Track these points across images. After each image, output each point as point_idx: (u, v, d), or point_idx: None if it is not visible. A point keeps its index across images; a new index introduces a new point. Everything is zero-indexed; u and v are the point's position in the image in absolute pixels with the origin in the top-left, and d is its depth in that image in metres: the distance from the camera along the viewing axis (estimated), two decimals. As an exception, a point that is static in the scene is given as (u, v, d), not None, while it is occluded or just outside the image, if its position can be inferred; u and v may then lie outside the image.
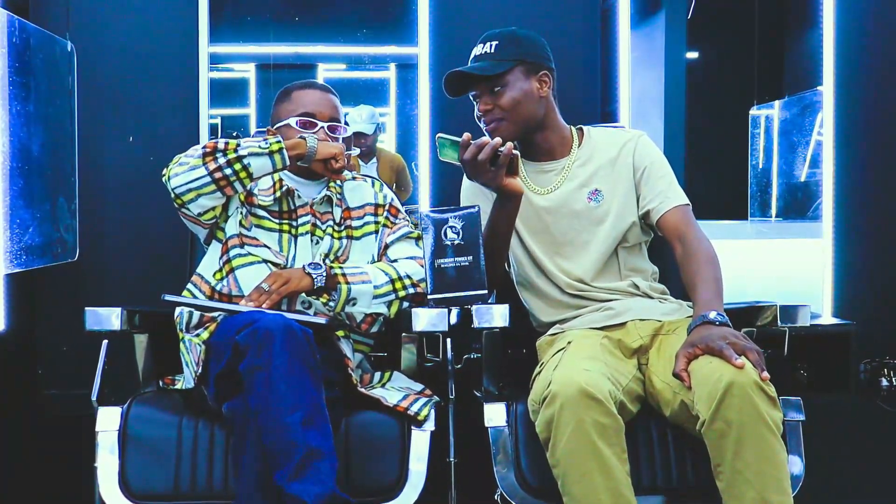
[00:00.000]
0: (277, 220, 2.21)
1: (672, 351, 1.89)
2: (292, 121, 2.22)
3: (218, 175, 2.05)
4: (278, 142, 2.06)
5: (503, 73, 2.13)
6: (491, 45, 2.15)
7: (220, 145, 2.06)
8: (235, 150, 2.05)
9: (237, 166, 2.05)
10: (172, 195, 2.10)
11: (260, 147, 2.05)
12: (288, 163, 2.08)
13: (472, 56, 2.19)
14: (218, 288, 2.15)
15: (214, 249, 2.20)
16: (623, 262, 2.21)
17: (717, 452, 1.73)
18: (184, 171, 2.07)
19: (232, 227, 2.18)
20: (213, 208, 2.14)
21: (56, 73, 2.70)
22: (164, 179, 2.11)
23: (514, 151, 1.98)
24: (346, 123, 2.33)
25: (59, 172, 2.71)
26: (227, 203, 2.18)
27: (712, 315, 1.85)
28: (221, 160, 2.05)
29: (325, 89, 2.30)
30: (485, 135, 2.14)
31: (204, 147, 2.07)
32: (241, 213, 2.19)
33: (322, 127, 2.22)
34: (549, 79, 2.20)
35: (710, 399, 1.71)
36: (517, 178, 2.02)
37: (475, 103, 2.19)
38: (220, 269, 2.16)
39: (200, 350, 2.01)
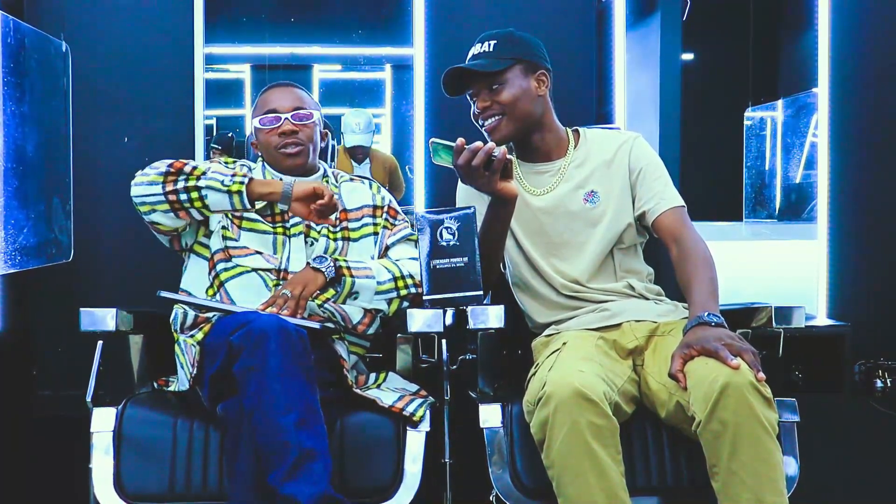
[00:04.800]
0: (271, 223, 2.21)
1: (667, 352, 1.89)
2: (256, 121, 2.24)
3: (172, 198, 2.03)
4: (241, 183, 2.01)
5: (502, 70, 2.14)
6: (489, 45, 2.16)
7: (187, 168, 2.04)
8: (198, 178, 2.02)
9: (194, 195, 2.02)
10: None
11: (222, 183, 2.01)
12: (248, 206, 2.03)
13: (469, 55, 2.20)
14: (212, 300, 2.15)
15: (197, 265, 2.20)
16: (618, 263, 2.21)
17: (712, 453, 1.73)
18: (143, 184, 2.05)
19: (216, 242, 2.18)
20: (173, 226, 2.13)
21: (51, 74, 2.70)
22: (131, 183, 2.09)
23: (509, 156, 1.97)
24: (323, 119, 2.33)
25: (54, 173, 2.71)
26: (207, 220, 2.18)
27: (708, 316, 1.85)
28: (181, 184, 2.03)
29: (287, 84, 2.30)
30: (481, 138, 2.14)
31: (169, 165, 2.04)
32: (225, 225, 2.18)
33: (286, 118, 2.21)
34: (546, 79, 2.20)
35: (705, 400, 1.71)
36: (512, 182, 2.02)
37: (472, 102, 2.20)
38: (211, 285, 2.17)
39: (195, 351, 2.01)
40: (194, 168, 2.04)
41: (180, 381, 2.10)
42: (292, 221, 2.21)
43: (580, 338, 2.04)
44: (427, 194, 2.96)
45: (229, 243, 2.17)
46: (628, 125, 3.08)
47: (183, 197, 2.03)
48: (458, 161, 1.96)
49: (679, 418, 1.86)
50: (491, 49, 2.15)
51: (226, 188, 2.01)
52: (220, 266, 2.16)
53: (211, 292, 2.16)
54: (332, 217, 2.13)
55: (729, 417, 1.69)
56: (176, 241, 2.22)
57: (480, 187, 2.00)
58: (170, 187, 2.03)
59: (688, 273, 2.02)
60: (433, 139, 1.98)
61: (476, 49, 2.18)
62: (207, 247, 2.19)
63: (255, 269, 2.15)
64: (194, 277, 2.20)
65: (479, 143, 1.95)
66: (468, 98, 2.21)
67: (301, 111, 2.23)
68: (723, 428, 1.70)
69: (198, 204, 2.04)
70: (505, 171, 1.98)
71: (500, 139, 2.15)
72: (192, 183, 2.02)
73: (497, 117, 2.16)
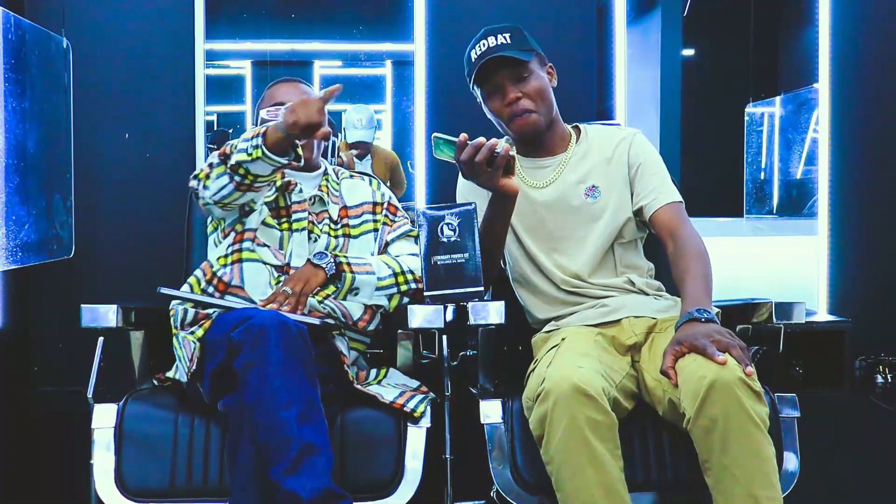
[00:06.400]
0: (276, 219, 2.21)
1: (663, 348, 1.89)
2: (263, 112, 2.24)
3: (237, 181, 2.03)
4: (256, 146, 1.95)
5: (528, 61, 2.14)
6: (505, 37, 2.12)
7: (227, 150, 2.02)
8: (229, 158, 2.01)
9: (241, 171, 2.00)
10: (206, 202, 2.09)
11: (248, 154, 1.97)
12: (282, 160, 1.97)
13: (482, 48, 2.14)
14: (219, 274, 2.15)
15: (227, 236, 2.21)
16: (619, 258, 2.21)
17: (703, 449, 1.74)
18: (213, 181, 2.04)
19: (253, 220, 2.18)
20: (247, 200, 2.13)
21: (51, 70, 2.70)
22: (195, 186, 2.09)
23: (511, 153, 1.97)
24: (328, 117, 2.32)
25: (55, 169, 2.71)
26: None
27: (698, 312, 1.85)
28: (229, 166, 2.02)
29: (295, 80, 2.31)
30: (482, 132, 2.12)
31: (218, 155, 2.03)
32: (262, 211, 2.19)
33: None
34: (554, 72, 2.21)
35: (694, 396, 1.71)
36: (513, 178, 2.02)
37: (487, 98, 2.17)
38: (227, 256, 2.17)
39: (194, 347, 2.01)
40: (229, 146, 2.02)
41: (179, 373, 2.11)
42: (296, 216, 2.21)
43: (579, 333, 2.04)
44: (428, 190, 2.96)
45: (260, 227, 2.17)
46: (629, 121, 3.08)
47: (238, 179, 2.01)
48: (461, 157, 1.96)
49: (674, 415, 1.86)
50: (509, 41, 2.12)
51: (250, 157, 1.97)
52: (245, 244, 2.16)
53: (223, 262, 2.16)
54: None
55: (718, 413, 1.69)
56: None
57: (482, 184, 2.00)
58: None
59: (682, 268, 2.02)
60: (435, 133, 1.97)
61: (491, 42, 2.13)
62: (243, 222, 2.18)
63: (265, 263, 2.16)
64: (216, 245, 2.21)
65: (481, 140, 1.95)
66: (481, 96, 2.19)
67: None
68: (712, 424, 1.70)
69: (249, 179, 2.01)
70: (507, 168, 1.98)
71: (531, 132, 2.15)
72: (232, 162, 2.00)
73: (530, 111, 2.14)
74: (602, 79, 3.12)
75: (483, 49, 2.13)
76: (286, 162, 2.00)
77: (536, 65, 2.16)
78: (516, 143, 2.26)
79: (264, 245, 2.17)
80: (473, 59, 2.14)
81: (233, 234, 2.19)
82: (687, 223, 2.12)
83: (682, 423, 1.78)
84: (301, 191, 2.23)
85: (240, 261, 2.15)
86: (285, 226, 2.21)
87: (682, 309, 1.95)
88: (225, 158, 2.02)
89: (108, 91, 2.84)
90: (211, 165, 2.05)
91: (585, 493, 1.72)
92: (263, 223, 2.19)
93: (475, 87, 2.20)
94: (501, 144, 1.96)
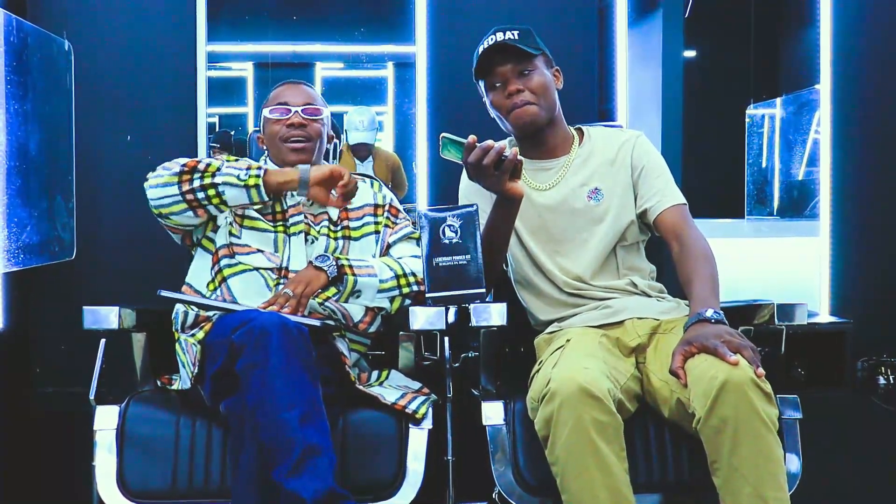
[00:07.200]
0: (271, 222, 2.20)
1: (669, 349, 1.89)
2: (266, 111, 2.25)
3: (190, 197, 2.05)
4: (257, 176, 2.03)
5: (534, 56, 2.14)
6: (513, 33, 2.13)
7: (201, 166, 2.05)
8: (213, 175, 2.04)
9: (211, 192, 2.04)
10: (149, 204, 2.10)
11: (238, 178, 2.03)
12: (266, 198, 2.06)
13: (490, 42, 2.15)
14: (212, 298, 2.15)
15: (202, 258, 2.21)
16: (621, 260, 2.21)
17: (713, 449, 1.74)
18: (158, 186, 2.07)
19: (221, 237, 2.18)
20: (190, 223, 2.15)
21: (53, 72, 2.70)
22: (145, 186, 2.11)
23: (519, 157, 1.97)
24: (332, 120, 2.34)
25: (57, 171, 2.71)
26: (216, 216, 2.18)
27: (708, 313, 1.85)
28: (196, 182, 2.04)
29: (300, 82, 2.32)
30: (487, 135, 2.12)
31: (183, 165, 2.05)
32: (229, 221, 2.18)
33: (296, 111, 2.22)
34: (560, 75, 2.22)
35: (705, 396, 1.71)
36: (518, 182, 2.01)
37: (490, 91, 2.18)
38: (213, 280, 2.17)
39: (196, 350, 2.01)
40: (208, 165, 2.05)
41: (182, 381, 2.11)
42: (292, 220, 2.21)
43: (584, 335, 2.04)
44: (429, 192, 2.96)
45: (233, 240, 2.17)
46: (630, 122, 3.08)
47: (200, 195, 2.05)
48: (469, 159, 1.95)
49: (681, 415, 1.86)
50: (516, 37, 2.13)
51: (242, 182, 2.03)
52: (223, 262, 2.16)
53: (212, 286, 2.16)
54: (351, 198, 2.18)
55: (729, 413, 1.70)
56: (188, 237, 2.23)
57: (489, 186, 2.00)
58: (186, 187, 2.04)
59: (688, 270, 2.02)
60: (444, 134, 1.97)
61: (499, 36, 2.14)
62: (213, 241, 2.19)
63: (256, 268, 2.15)
64: (198, 271, 2.21)
65: (490, 142, 1.94)
66: (484, 89, 2.19)
67: (311, 107, 2.24)
68: (723, 424, 1.70)
69: (215, 201, 2.05)
70: (513, 172, 1.98)
71: (529, 123, 2.15)
72: (207, 180, 2.04)
73: (529, 103, 2.14)
74: (603, 80, 3.12)
75: (491, 42, 2.14)
76: (267, 200, 2.07)
77: (542, 62, 2.17)
78: (518, 141, 2.26)
79: (256, 251, 2.17)
80: (480, 52, 2.15)
81: (209, 257, 2.20)
82: (692, 225, 2.13)
83: (690, 424, 1.79)
84: (292, 195, 2.23)
85: (224, 280, 2.15)
86: (280, 228, 2.21)
87: (690, 310, 1.95)
88: (191, 171, 2.04)
89: (109, 93, 2.84)
90: (168, 171, 2.07)
91: (590, 494, 1.72)
92: (255, 229, 2.19)
93: (479, 81, 2.20)
94: (509, 148, 1.96)
